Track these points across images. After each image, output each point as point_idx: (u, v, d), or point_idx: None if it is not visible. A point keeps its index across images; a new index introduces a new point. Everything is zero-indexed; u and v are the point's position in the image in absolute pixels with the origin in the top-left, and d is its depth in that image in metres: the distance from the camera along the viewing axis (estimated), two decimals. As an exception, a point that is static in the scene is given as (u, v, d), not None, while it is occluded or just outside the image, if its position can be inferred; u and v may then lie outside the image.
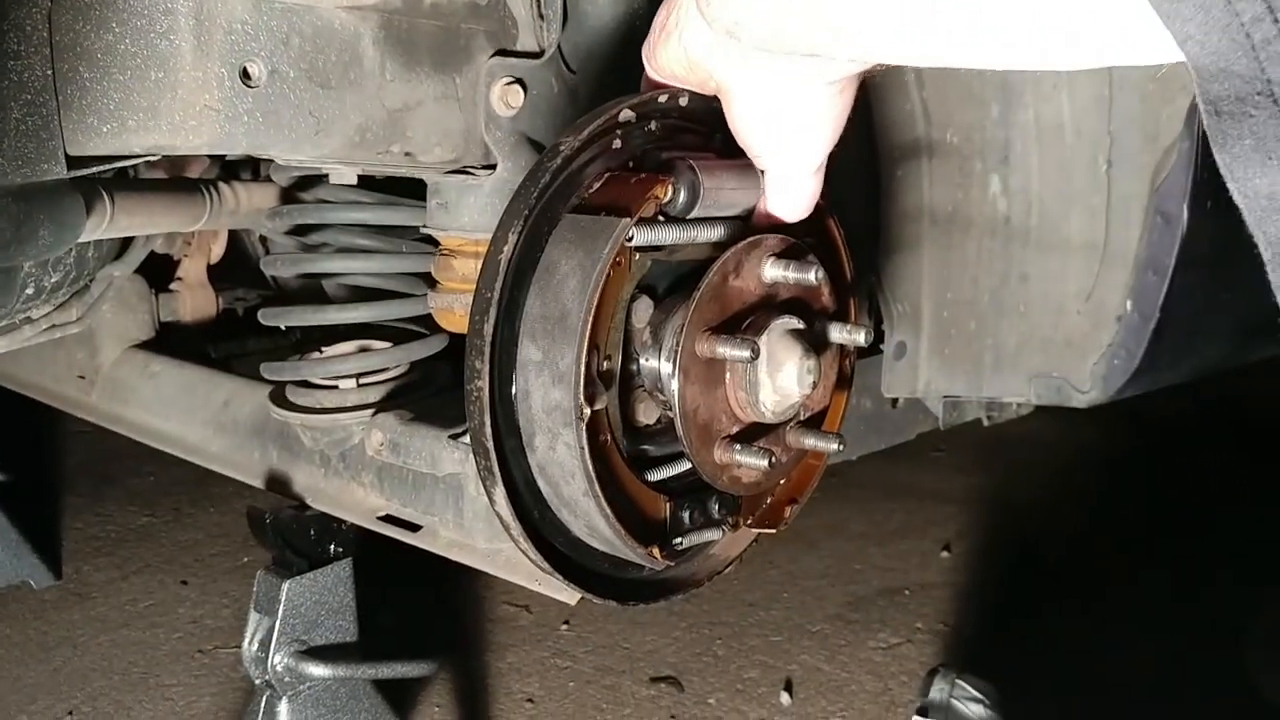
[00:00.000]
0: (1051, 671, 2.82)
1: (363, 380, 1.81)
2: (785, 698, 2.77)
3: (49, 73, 1.17)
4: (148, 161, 1.87)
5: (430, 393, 1.85)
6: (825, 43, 0.82)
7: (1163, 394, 1.83)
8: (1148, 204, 1.55)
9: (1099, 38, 0.65)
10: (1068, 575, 3.38)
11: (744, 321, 1.11)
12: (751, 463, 1.12)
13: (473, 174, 1.53)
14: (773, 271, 1.12)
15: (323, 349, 1.88)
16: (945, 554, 3.56)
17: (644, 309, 1.13)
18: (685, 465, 1.17)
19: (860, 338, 1.19)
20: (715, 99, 1.11)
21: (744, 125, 1.04)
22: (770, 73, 0.97)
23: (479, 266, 1.05)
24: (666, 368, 1.10)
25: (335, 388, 1.80)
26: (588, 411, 1.03)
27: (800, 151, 1.04)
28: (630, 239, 1.05)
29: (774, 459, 1.13)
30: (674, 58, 1.04)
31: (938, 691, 1.89)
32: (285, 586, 1.82)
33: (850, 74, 0.95)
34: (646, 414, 1.17)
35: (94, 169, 1.30)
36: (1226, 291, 1.63)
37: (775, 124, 1.02)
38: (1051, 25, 0.66)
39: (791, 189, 1.09)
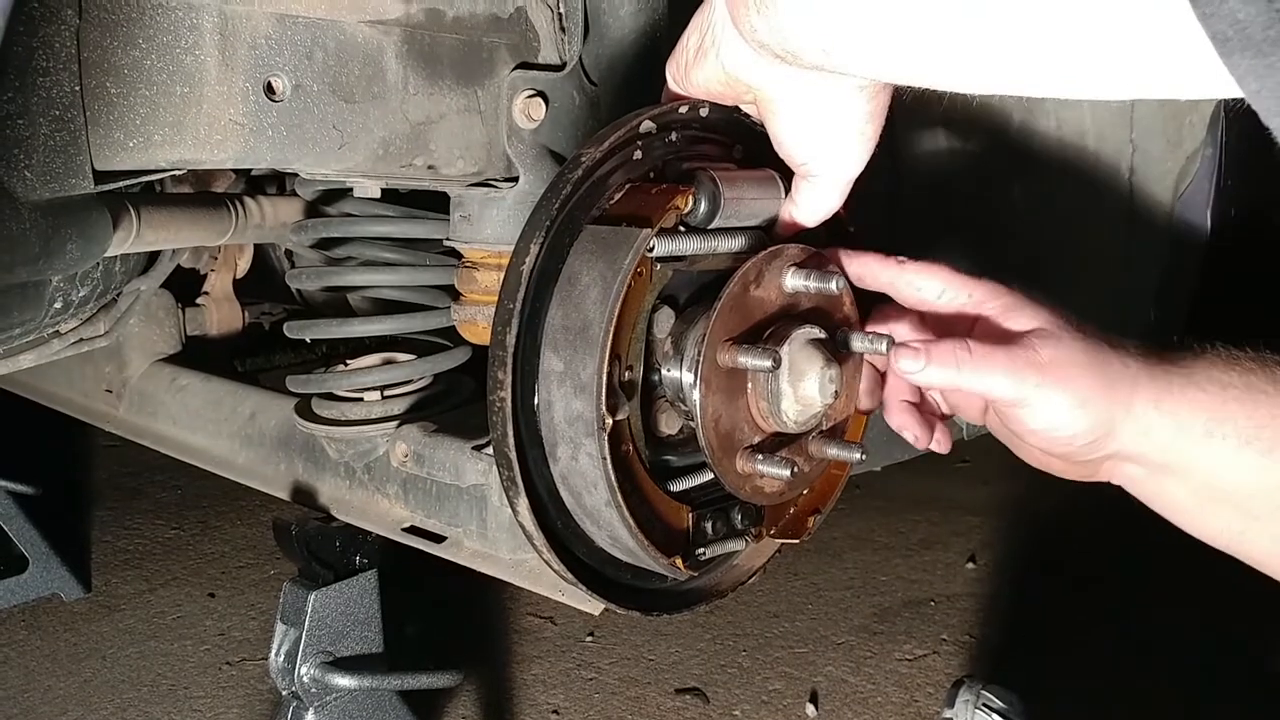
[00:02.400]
0: (1077, 682, 2.81)
1: (387, 392, 1.82)
2: (811, 709, 2.76)
3: (77, 89, 1.18)
4: (174, 176, 1.89)
5: (454, 404, 1.86)
6: (886, 70, 0.83)
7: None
8: (1170, 211, 1.53)
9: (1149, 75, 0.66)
10: (1093, 586, 3.36)
11: (765, 331, 1.11)
12: (774, 473, 1.12)
13: (495, 186, 1.54)
14: (794, 281, 1.12)
15: (347, 361, 1.89)
16: (970, 565, 3.54)
17: (665, 319, 1.13)
18: (708, 476, 1.17)
19: (882, 347, 1.18)
20: (736, 110, 1.12)
21: (786, 136, 1.05)
22: (811, 84, 0.98)
23: (501, 278, 1.06)
24: (688, 378, 1.10)
25: (360, 400, 1.81)
26: (610, 422, 1.03)
27: (841, 159, 1.05)
28: (651, 249, 1.05)
29: (796, 469, 1.12)
30: (711, 76, 1.05)
31: (962, 703, 1.87)
32: (311, 598, 1.83)
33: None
34: (669, 424, 1.17)
35: (121, 184, 1.30)
36: (1250, 297, 1.62)
37: (817, 133, 1.03)
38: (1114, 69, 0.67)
39: (823, 196, 1.10)
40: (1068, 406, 1.01)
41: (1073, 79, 0.70)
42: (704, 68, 1.05)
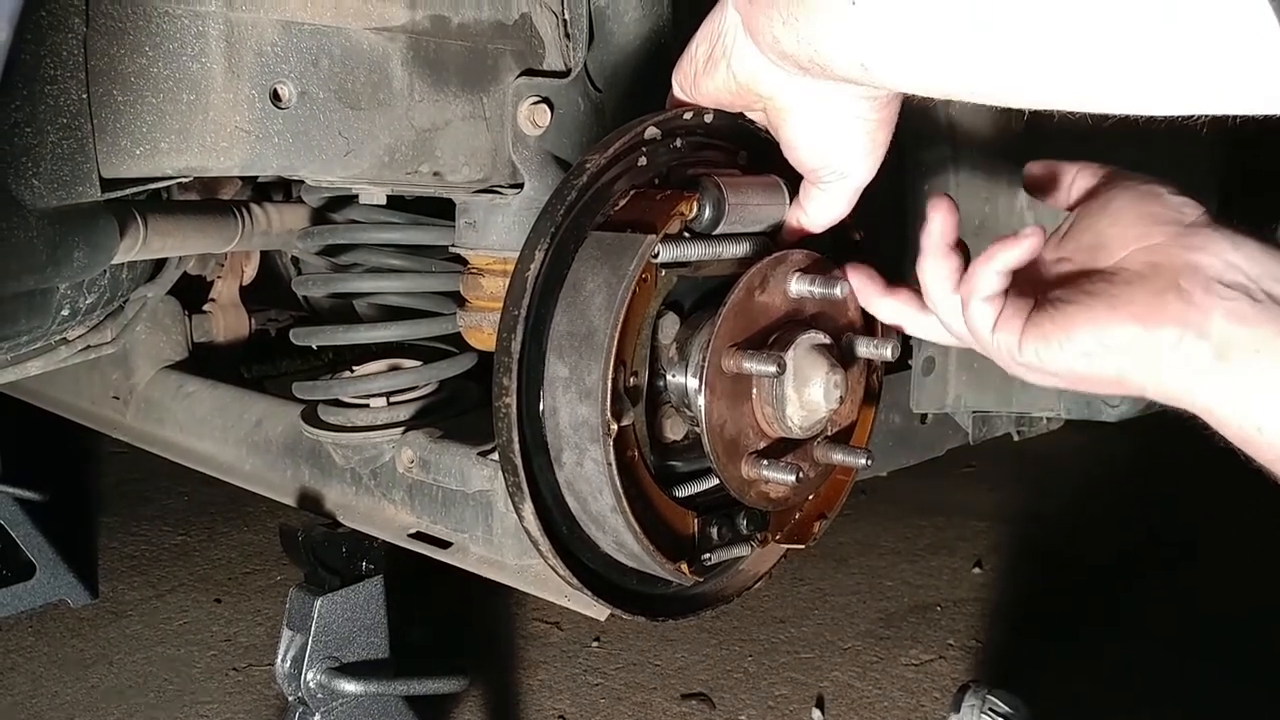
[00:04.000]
0: (1083, 687, 2.80)
1: (393, 398, 1.82)
2: (817, 714, 2.76)
3: (84, 97, 1.18)
4: (180, 183, 1.89)
5: (459, 410, 1.86)
6: (931, 83, 0.81)
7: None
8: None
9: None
10: (1100, 591, 3.36)
11: (770, 337, 1.11)
12: (779, 478, 1.12)
13: (500, 193, 1.54)
14: (799, 286, 1.12)
15: (354, 368, 1.89)
16: (976, 570, 3.54)
17: (670, 325, 1.13)
18: (713, 481, 1.17)
19: (887, 352, 1.19)
20: (741, 116, 1.12)
21: (798, 144, 1.04)
22: (825, 94, 0.98)
23: (507, 284, 1.06)
24: (693, 383, 1.11)
25: (366, 406, 1.81)
26: (615, 427, 1.03)
27: (853, 167, 1.05)
28: (656, 255, 1.05)
29: (802, 474, 1.12)
30: (721, 85, 1.05)
31: (968, 708, 1.87)
32: (318, 604, 1.83)
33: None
34: (674, 430, 1.17)
35: (127, 191, 1.31)
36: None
37: (829, 142, 1.02)
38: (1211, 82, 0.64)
39: (833, 203, 1.09)
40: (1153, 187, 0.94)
41: (1146, 92, 0.67)
42: (714, 77, 1.05)
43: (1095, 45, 0.65)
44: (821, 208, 1.10)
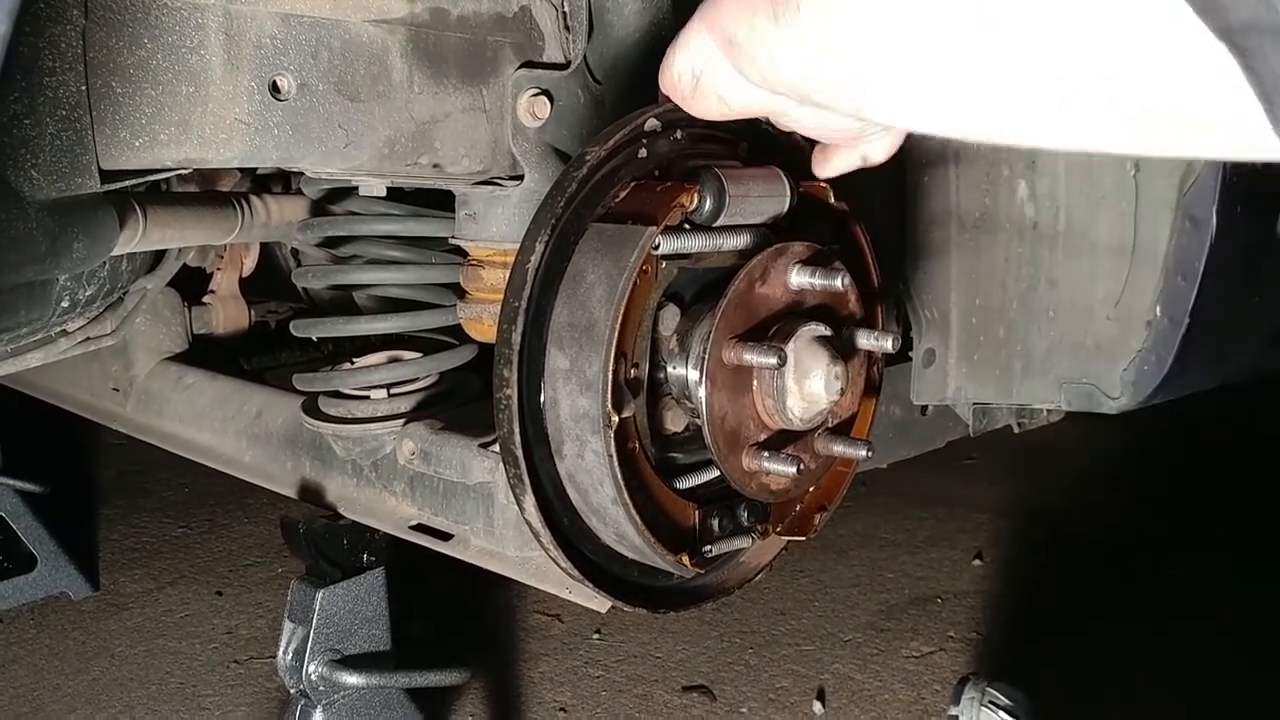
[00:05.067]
0: (1083, 680, 2.80)
1: (394, 390, 1.82)
2: (818, 707, 2.76)
3: (83, 88, 1.18)
4: (179, 175, 1.89)
5: (460, 402, 1.86)
6: (937, 126, 0.79)
7: (1196, 399, 1.82)
8: (1176, 208, 1.53)
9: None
10: (1101, 582, 3.36)
11: (771, 328, 1.11)
12: (780, 470, 1.12)
13: (500, 185, 1.54)
14: (799, 278, 1.12)
15: (354, 360, 1.89)
16: (977, 562, 3.54)
17: (671, 317, 1.13)
18: (714, 473, 1.17)
19: (888, 344, 1.19)
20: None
21: (823, 132, 1.03)
22: None
23: (507, 276, 1.06)
24: (694, 375, 1.11)
25: (367, 398, 1.81)
26: (615, 419, 1.03)
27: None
28: (657, 247, 1.05)
29: (802, 466, 1.13)
30: (714, 109, 1.01)
31: (968, 700, 1.87)
32: (319, 596, 1.83)
33: None
34: (674, 422, 1.17)
35: (127, 183, 1.31)
36: (1257, 297, 1.62)
37: (854, 120, 1.00)
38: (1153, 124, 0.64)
39: (885, 147, 1.05)
40: None
41: (1134, 140, 0.67)
42: (706, 104, 0.99)
43: (1100, 90, 0.65)
44: (875, 151, 1.06)
